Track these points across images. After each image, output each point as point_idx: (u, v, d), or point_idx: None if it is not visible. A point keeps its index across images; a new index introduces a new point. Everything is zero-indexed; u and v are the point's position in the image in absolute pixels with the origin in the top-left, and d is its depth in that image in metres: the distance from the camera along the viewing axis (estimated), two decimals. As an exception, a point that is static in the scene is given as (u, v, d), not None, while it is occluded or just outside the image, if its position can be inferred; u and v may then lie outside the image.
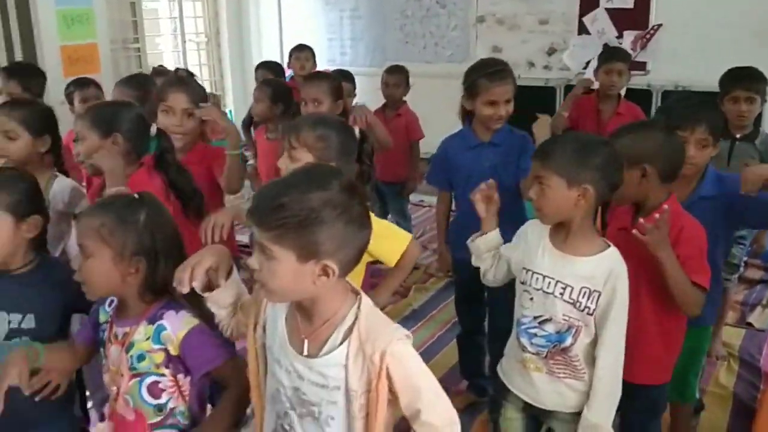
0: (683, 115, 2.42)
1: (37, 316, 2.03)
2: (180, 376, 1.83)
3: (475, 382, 3.44)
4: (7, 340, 2.01)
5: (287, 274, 1.44)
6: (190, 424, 1.87)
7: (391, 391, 1.51)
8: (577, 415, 2.12)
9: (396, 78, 4.90)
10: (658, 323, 2.25)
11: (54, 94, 5.56)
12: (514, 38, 6.35)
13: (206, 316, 1.81)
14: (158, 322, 1.80)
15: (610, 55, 4.39)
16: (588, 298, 2.05)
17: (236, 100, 7.69)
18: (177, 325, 1.79)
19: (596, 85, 4.32)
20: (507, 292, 2.93)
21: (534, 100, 5.93)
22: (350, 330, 1.51)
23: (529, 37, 6.31)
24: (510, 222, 2.47)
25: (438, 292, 4.75)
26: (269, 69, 5.22)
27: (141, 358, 1.81)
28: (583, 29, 6.04)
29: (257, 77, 5.12)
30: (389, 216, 5.00)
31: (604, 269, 2.04)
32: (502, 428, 2.32)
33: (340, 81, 3.48)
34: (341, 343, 1.51)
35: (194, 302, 1.81)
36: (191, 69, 6.58)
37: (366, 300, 1.56)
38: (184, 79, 3.25)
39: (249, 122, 4.59)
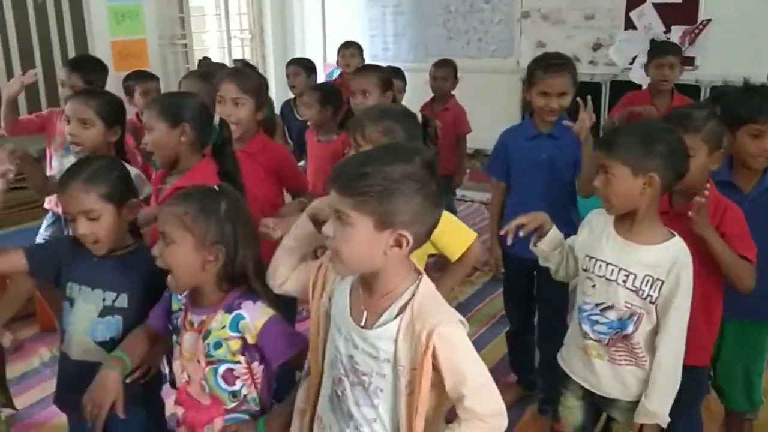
0: (760, 108, 2.39)
1: (130, 296, 2.10)
2: (255, 365, 1.88)
3: (525, 377, 3.44)
4: (100, 317, 2.10)
5: (362, 241, 1.48)
6: (260, 410, 1.92)
7: (438, 372, 1.52)
8: (638, 403, 2.13)
9: (444, 71, 4.94)
10: (701, 304, 2.25)
11: (106, 88, 5.68)
12: (559, 33, 6.29)
13: (278, 306, 1.87)
14: (236, 311, 1.84)
15: (661, 49, 4.36)
16: (651, 287, 2.06)
17: (279, 96, 7.74)
18: (255, 315, 1.83)
19: (642, 80, 4.27)
20: (557, 290, 2.99)
21: (579, 95, 5.92)
22: (405, 306, 1.54)
23: (575, 32, 6.25)
24: (563, 214, 2.48)
25: (484, 286, 4.76)
26: (301, 65, 5.19)
27: (218, 345, 1.85)
28: (629, 24, 5.98)
29: (289, 73, 5.14)
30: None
31: (668, 258, 2.05)
32: (562, 416, 2.33)
33: (390, 73, 3.49)
34: (395, 318, 1.54)
35: (267, 292, 1.87)
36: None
37: (427, 281, 1.58)
38: (236, 69, 3.29)
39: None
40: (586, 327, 2.18)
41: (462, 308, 4.42)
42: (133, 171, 2.75)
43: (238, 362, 1.86)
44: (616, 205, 2.08)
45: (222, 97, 2.88)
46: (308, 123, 4.17)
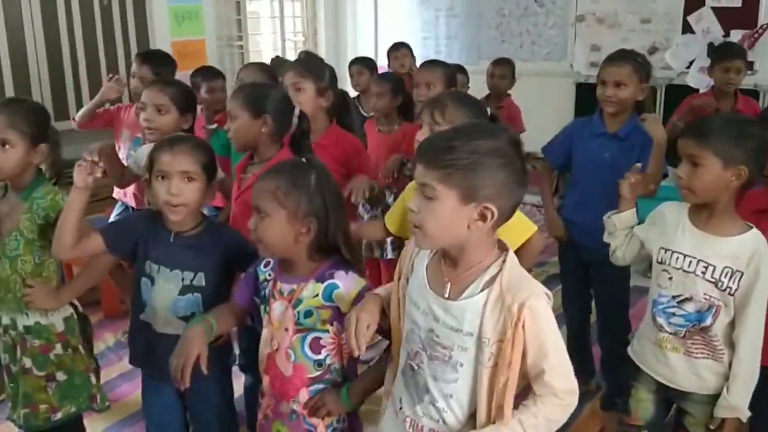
0: None
1: (207, 274, 2.17)
2: (343, 335, 1.89)
3: (584, 375, 3.42)
4: (180, 295, 2.17)
5: (446, 214, 1.51)
6: (342, 381, 1.97)
7: (522, 344, 1.53)
8: (714, 397, 2.11)
9: (503, 69, 4.96)
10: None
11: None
12: (614, 37, 6.23)
13: (365, 276, 1.95)
14: (329, 281, 1.89)
15: (727, 52, 4.30)
16: (730, 278, 2.04)
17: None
18: (349, 285, 1.88)
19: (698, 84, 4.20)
20: (617, 282, 3.00)
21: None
22: (492, 280, 1.55)
23: (630, 35, 6.19)
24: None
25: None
26: (365, 64, 5.22)
27: (308, 314, 1.90)
28: (687, 28, 5.92)
29: (352, 73, 5.16)
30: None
31: (748, 249, 2.03)
32: (633, 410, 2.32)
33: (455, 69, 3.51)
34: (481, 291, 1.56)
35: (358, 262, 1.95)
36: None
37: (513, 256, 1.60)
38: (299, 58, 3.39)
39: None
40: (661, 320, 2.16)
41: None
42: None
43: (326, 331, 1.91)
44: (700, 195, 2.07)
45: (285, 85, 2.92)
46: (369, 115, 4.16)
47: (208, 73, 4.15)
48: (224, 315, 2.07)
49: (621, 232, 2.35)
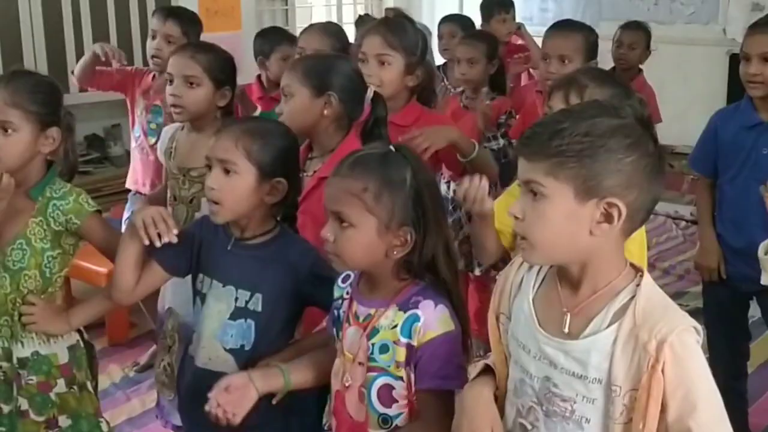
0: None
1: (265, 297, 2.17)
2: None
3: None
4: (231, 320, 2.19)
5: (560, 216, 1.50)
6: None
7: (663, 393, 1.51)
8: None
9: (633, 36, 4.80)
10: None
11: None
12: None
13: (463, 311, 1.93)
14: (412, 311, 1.86)
15: None
16: None
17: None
18: (431, 321, 1.84)
19: None
20: None
21: None
22: (624, 309, 1.53)
23: (806, -12, 6.10)
24: None
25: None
26: (458, 23, 5.11)
27: (384, 349, 1.88)
28: None
29: (442, 34, 5.12)
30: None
31: None
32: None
33: (596, 34, 3.47)
34: (610, 325, 1.54)
35: (456, 289, 1.92)
36: (345, 27, 6.67)
37: (649, 278, 1.57)
38: (385, 19, 3.42)
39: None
40: None
41: None
42: None
43: (401, 378, 1.88)
44: None
45: (364, 54, 2.91)
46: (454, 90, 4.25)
47: (280, 35, 4.31)
48: (306, 363, 2.06)
49: None
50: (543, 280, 1.68)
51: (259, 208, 2.18)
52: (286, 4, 6.80)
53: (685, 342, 1.49)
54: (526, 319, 1.66)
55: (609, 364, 1.52)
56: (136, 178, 3.90)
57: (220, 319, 2.19)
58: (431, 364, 1.85)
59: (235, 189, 2.13)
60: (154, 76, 3.85)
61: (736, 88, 5.99)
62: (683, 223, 6.11)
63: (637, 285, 1.55)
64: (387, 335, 1.88)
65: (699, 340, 1.52)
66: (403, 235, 1.85)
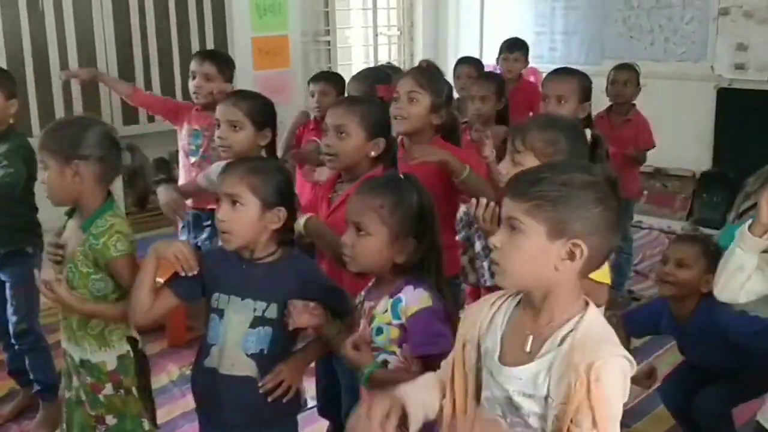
0: None
1: (280, 306, 2.29)
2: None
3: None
4: (252, 328, 2.31)
5: (532, 250, 1.59)
6: None
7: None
8: None
9: (627, 75, 4.95)
10: None
11: (244, 89, 5.99)
12: (765, 34, 6.06)
13: (445, 300, 2.10)
14: (397, 295, 2.10)
15: None
16: None
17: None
18: (412, 300, 2.07)
19: None
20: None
21: None
22: (567, 335, 1.62)
23: (786, 33, 6.06)
24: None
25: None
26: (472, 65, 5.31)
27: (379, 331, 2.11)
28: None
29: (460, 74, 5.25)
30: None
31: None
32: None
33: (590, 80, 3.57)
34: (557, 347, 1.61)
35: (440, 283, 2.12)
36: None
37: (594, 310, 1.66)
38: (419, 66, 3.52)
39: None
40: None
41: (637, 353, 4.21)
42: None
43: (394, 353, 2.08)
44: None
45: (398, 92, 3.06)
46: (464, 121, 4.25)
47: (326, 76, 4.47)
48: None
49: (751, 263, 2.23)
50: (510, 317, 1.73)
51: (263, 234, 2.30)
52: (329, 45, 6.95)
53: (608, 369, 1.53)
54: (493, 346, 1.72)
55: (549, 381, 1.60)
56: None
57: (242, 329, 2.29)
58: (414, 334, 2.05)
59: (242, 219, 2.26)
60: (197, 108, 4.03)
61: (723, 117, 6.30)
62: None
63: (581, 317, 1.62)
64: (381, 319, 2.11)
65: (630, 369, 1.57)
66: (407, 244, 2.11)
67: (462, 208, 3.88)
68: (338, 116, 2.78)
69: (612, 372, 1.55)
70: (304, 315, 2.21)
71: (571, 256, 1.59)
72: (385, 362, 2.09)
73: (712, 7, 6.41)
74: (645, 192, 6.31)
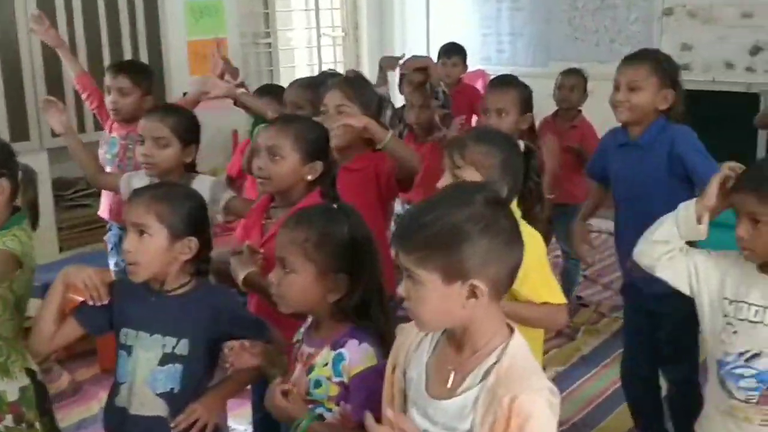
0: None
1: (192, 342, 2.19)
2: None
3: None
4: (161, 366, 2.19)
5: (435, 299, 1.56)
6: None
7: None
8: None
9: (573, 80, 4.90)
10: None
11: (180, 94, 5.84)
12: (709, 34, 6.15)
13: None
14: (339, 349, 1.94)
15: None
16: None
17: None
18: (355, 358, 1.92)
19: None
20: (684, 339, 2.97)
21: (732, 108, 5.79)
22: (491, 368, 1.58)
23: (728, 32, 6.09)
24: None
25: (612, 336, 4.63)
26: (420, 70, 5.20)
27: (318, 384, 1.96)
28: (797, 23, 5.79)
29: (404, 81, 5.11)
30: (555, 242, 4.95)
31: None
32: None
33: (530, 90, 3.52)
34: (480, 381, 1.58)
35: (387, 330, 1.94)
36: (325, 67, 6.83)
37: (519, 339, 1.62)
38: (346, 77, 3.45)
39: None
40: (730, 384, 2.14)
41: (587, 361, 4.36)
42: (210, 179, 3.05)
43: (330, 411, 1.94)
44: (764, 255, 2.07)
45: (326, 106, 2.97)
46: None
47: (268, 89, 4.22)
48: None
49: (675, 241, 2.23)
50: (437, 344, 1.71)
51: (173, 264, 2.20)
52: (270, 47, 6.86)
53: (533, 401, 1.52)
54: (418, 379, 1.70)
55: (474, 415, 1.57)
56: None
57: (150, 367, 2.19)
58: (357, 397, 1.90)
59: (149, 250, 2.15)
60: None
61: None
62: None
63: (506, 346, 1.60)
64: (321, 372, 1.95)
65: (554, 401, 1.55)
66: (338, 282, 1.93)
67: (397, 208, 3.89)
68: (271, 137, 2.60)
69: (539, 406, 1.53)
70: (242, 356, 2.11)
71: (473, 295, 1.56)
72: (321, 416, 1.97)
73: (656, 7, 6.47)
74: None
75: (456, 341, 1.64)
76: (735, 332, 2.12)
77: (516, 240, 1.60)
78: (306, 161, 2.57)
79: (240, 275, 2.44)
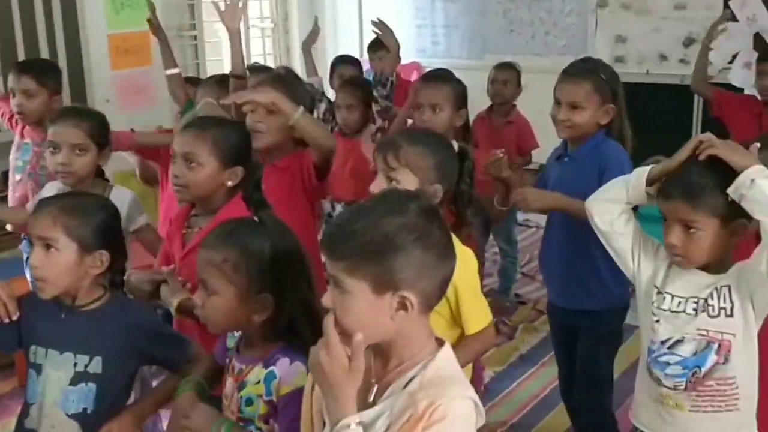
0: None
1: (105, 359, 2.13)
2: None
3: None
4: (72, 385, 2.12)
5: (362, 309, 1.52)
6: None
7: None
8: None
9: (506, 74, 4.91)
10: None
11: (101, 91, 5.64)
12: (644, 26, 6.19)
13: None
14: (271, 367, 1.89)
15: (763, 53, 4.23)
16: (719, 298, 2.11)
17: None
18: (286, 377, 1.87)
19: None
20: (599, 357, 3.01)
21: (666, 101, 5.87)
22: (415, 377, 1.56)
23: (662, 24, 6.13)
24: (585, 261, 2.74)
25: (551, 334, 4.57)
26: (351, 65, 5.17)
27: (249, 402, 1.92)
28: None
29: (335, 76, 5.11)
30: (493, 239, 4.95)
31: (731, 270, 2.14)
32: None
33: (465, 86, 3.45)
34: (402, 389, 1.55)
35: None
36: (255, 60, 6.65)
37: (447, 352, 1.60)
38: (276, 74, 3.41)
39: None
40: (657, 371, 2.20)
41: (526, 360, 4.41)
42: (131, 196, 2.98)
43: (260, 431, 1.91)
44: (698, 261, 2.13)
45: (255, 104, 2.88)
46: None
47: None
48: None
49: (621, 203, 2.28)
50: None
51: (84, 279, 2.13)
52: (195, 40, 6.71)
53: (451, 408, 1.49)
54: None
55: (389, 421, 1.53)
56: None
57: (60, 387, 2.12)
58: (285, 418, 1.86)
59: (57, 265, 2.07)
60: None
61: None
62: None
63: (432, 358, 1.57)
64: (252, 390, 1.91)
65: (472, 413, 1.54)
66: (262, 301, 1.88)
67: (327, 207, 3.91)
68: (186, 143, 2.49)
69: (455, 410, 1.50)
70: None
71: (403, 306, 1.52)
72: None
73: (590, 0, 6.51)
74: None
75: (382, 354, 1.60)
76: (657, 321, 2.19)
77: (449, 252, 1.57)
78: (225, 167, 2.48)
79: (173, 304, 2.35)
